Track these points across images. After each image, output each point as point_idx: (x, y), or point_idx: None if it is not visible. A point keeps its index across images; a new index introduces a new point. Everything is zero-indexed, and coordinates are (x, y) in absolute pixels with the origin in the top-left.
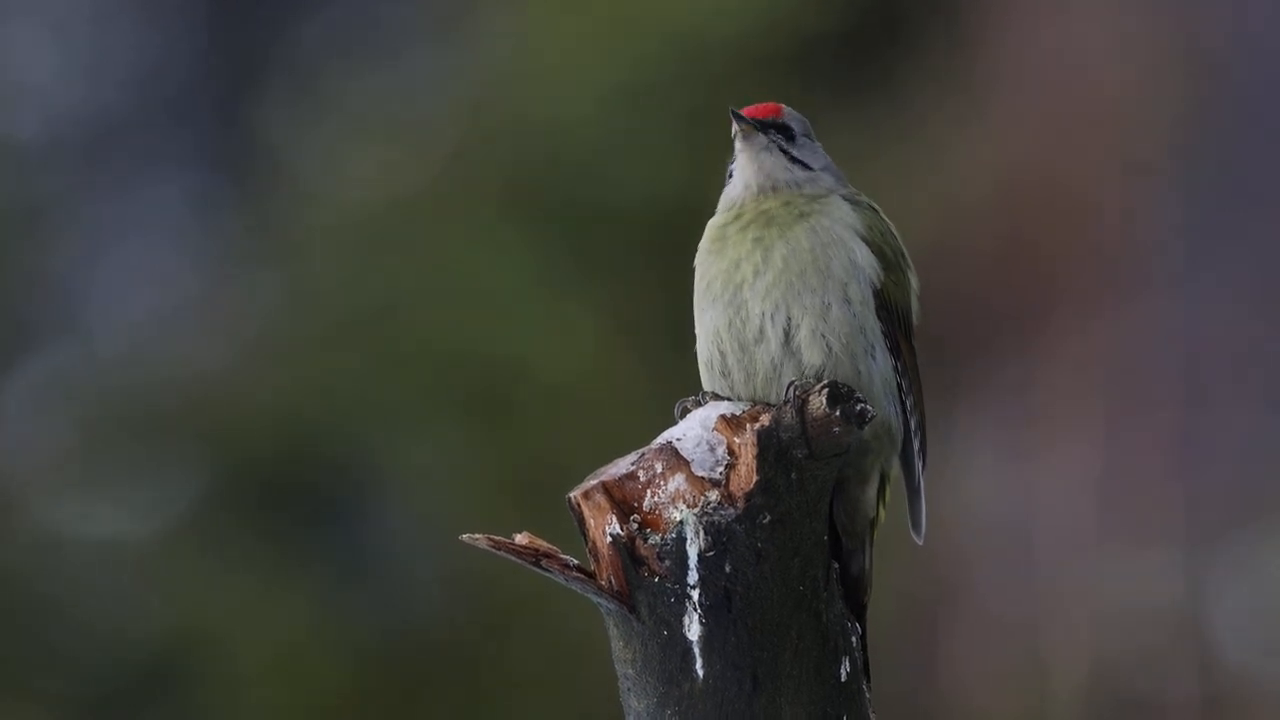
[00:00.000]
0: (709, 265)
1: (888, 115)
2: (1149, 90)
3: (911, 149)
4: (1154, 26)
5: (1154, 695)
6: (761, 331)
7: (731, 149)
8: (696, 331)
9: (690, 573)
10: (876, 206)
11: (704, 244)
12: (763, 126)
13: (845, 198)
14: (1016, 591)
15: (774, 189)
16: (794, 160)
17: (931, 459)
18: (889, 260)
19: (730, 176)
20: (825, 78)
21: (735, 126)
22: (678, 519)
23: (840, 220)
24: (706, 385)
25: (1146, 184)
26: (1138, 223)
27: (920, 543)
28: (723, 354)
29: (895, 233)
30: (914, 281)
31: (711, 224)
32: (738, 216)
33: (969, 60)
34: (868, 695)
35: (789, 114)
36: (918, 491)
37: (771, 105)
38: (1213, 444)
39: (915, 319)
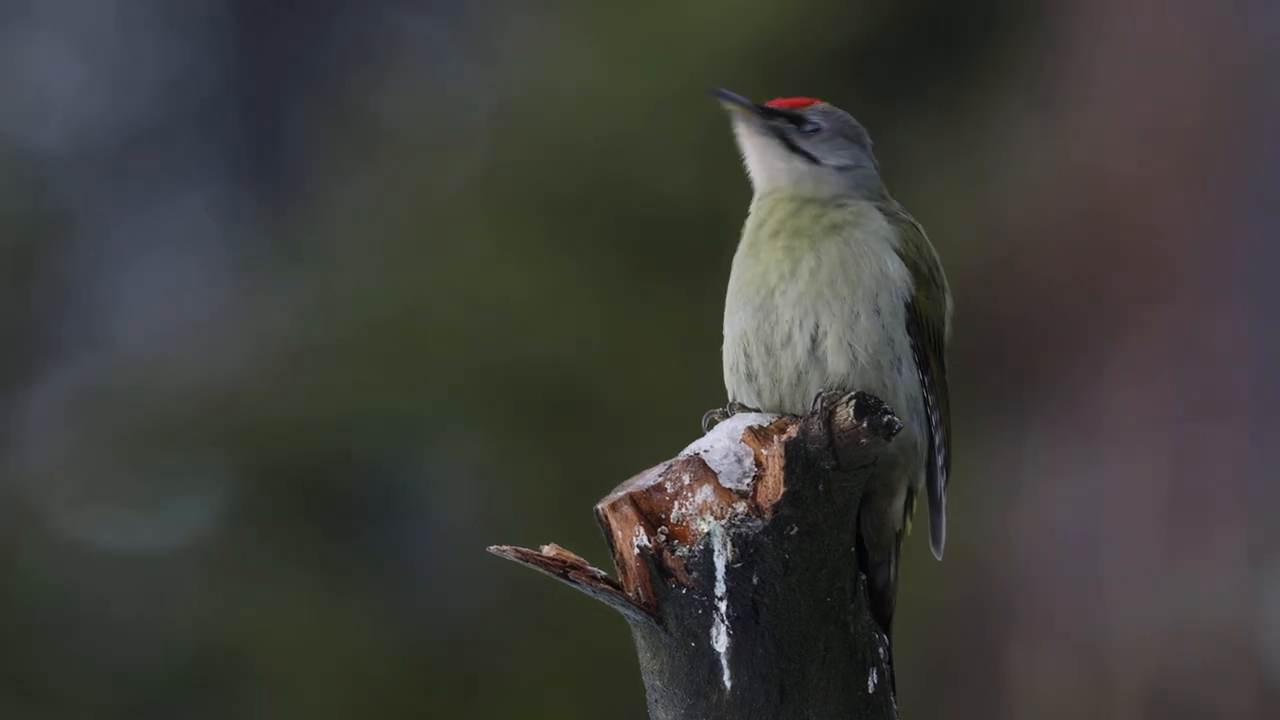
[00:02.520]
0: (744, 268)
1: (948, 122)
2: (1217, 102)
3: (978, 156)
4: (1222, 39)
5: (1216, 711)
6: (789, 337)
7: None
8: (725, 333)
9: (718, 584)
10: (917, 224)
11: (741, 245)
12: (767, 112)
13: (881, 210)
14: (1081, 605)
15: (791, 183)
16: (794, 150)
17: (995, 474)
18: (923, 275)
19: None
20: (874, 83)
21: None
22: (705, 530)
23: (874, 232)
24: (730, 389)
25: (1216, 197)
26: (1205, 237)
27: (939, 558)
28: (748, 356)
29: (933, 250)
30: (949, 302)
31: (747, 223)
32: (761, 224)
33: (1032, 69)
34: (895, 707)
35: (820, 110)
36: (939, 507)
37: (802, 99)
38: (1276, 461)
39: (948, 338)
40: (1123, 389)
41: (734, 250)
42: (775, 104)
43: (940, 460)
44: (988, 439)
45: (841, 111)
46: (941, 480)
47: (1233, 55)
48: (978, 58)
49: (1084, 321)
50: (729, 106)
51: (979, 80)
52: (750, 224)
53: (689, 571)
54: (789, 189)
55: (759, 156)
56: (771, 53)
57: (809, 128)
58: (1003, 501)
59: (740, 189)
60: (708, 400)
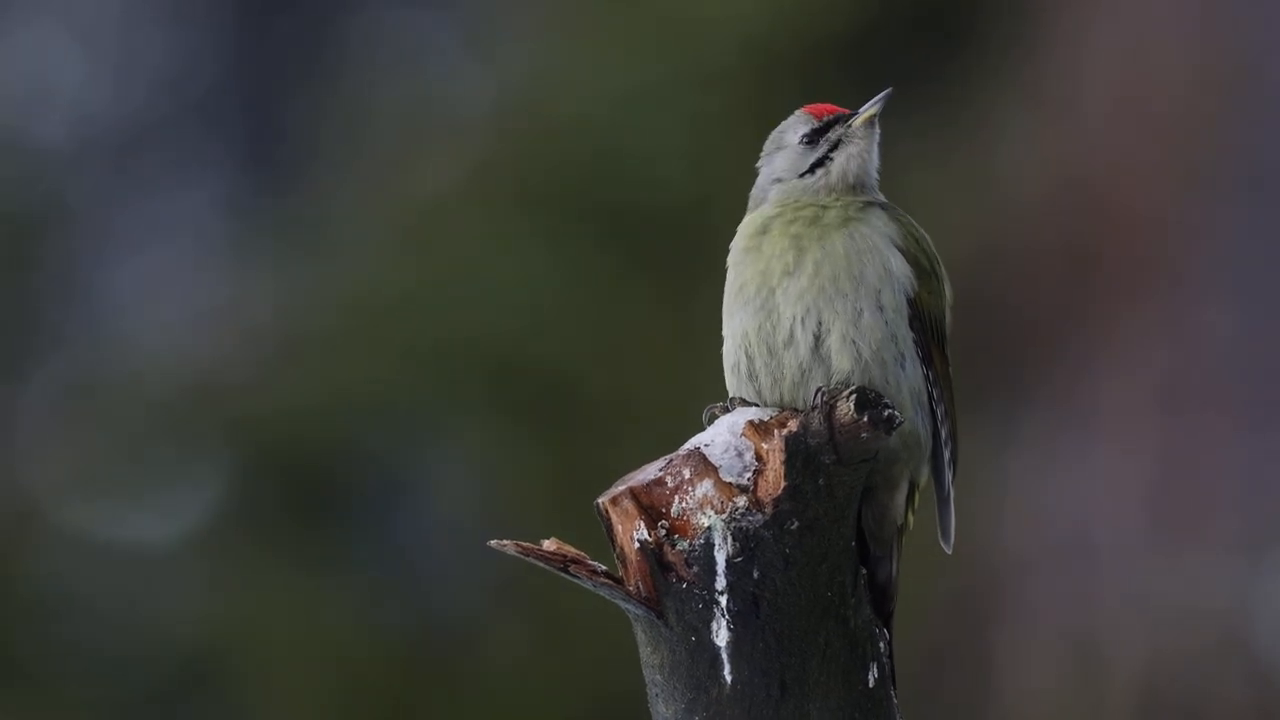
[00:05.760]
0: (744, 266)
1: (937, 116)
2: (1205, 94)
3: (964, 151)
4: (1209, 31)
5: (1207, 703)
6: (791, 336)
7: (817, 138)
8: (724, 333)
9: (718, 578)
10: (909, 218)
11: (739, 243)
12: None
13: (882, 207)
14: (1070, 598)
15: (873, 184)
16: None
17: (986, 465)
18: (924, 269)
19: (816, 169)
20: (857, 77)
21: (874, 107)
22: (706, 525)
23: (877, 229)
24: (732, 389)
25: (1204, 189)
26: (1194, 228)
27: (949, 551)
28: (750, 358)
29: (932, 244)
30: (949, 292)
31: (748, 221)
32: (780, 214)
33: (1022, 61)
34: (895, 701)
35: None
36: (947, 500)
37: (827, 106)
38: (1267, 450)
39: (949, 330)
40: (1113, 379)
41: (726, 244)
42: (821, 110)
43: (948, 454)
44: (978, 429)
45: None
46: (949, 474)
47: (1223, 45)
48: (966, 49)
49: (1074, 311)
50: (872, 112)
51: (968, 70)
52: (753, 217)
53: (689, 566)
54: (867, 186)
55: (871, 159)
56: (766, 44)
57: None
58: (994, 492)
59: (729, 183)
60: (700, 394)
